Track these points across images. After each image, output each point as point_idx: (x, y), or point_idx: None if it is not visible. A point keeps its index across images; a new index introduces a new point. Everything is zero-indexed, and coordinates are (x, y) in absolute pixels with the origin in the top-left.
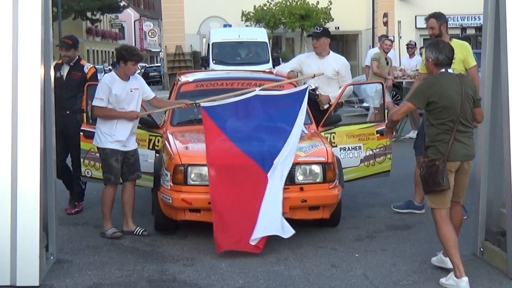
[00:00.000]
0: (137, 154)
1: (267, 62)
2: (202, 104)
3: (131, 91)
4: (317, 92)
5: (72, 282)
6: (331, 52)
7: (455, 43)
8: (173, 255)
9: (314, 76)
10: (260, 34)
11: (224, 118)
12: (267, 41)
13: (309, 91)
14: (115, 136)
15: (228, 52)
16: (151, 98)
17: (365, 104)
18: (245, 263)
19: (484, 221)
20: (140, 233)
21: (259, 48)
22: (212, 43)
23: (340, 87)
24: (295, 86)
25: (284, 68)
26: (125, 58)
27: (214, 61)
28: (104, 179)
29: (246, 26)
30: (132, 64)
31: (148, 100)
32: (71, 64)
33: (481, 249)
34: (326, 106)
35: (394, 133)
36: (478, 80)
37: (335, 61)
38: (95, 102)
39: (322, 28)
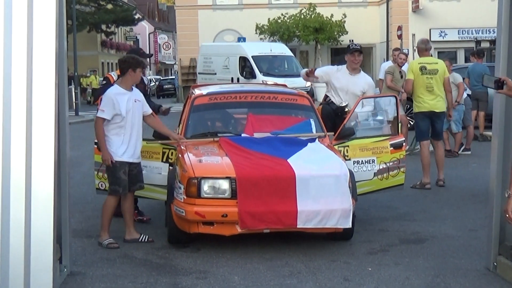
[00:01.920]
0: (140, 165)
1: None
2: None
3: (135, 101)
4: (346, 110)
5: None
6: (361, 71)
7: None
8: (186, 268)
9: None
10: (285, 49)
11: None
12: (293, 55)
13: (338, 107)
14: (123, 149)
15: (266, 65)
16: (148, 114)
17: (379, 118)
18: (258, 277)
19: (497, 235)
20: (145, 240)
21: (290, 61)
22: (252, 56)
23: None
24: (309, 99)
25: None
26: (134, 66)
27: (262, 73)
28: (111, 190)
29: (261, 39)
30: (139, 71)
31: (144, 116)
32: None
33: (495, 264)
34: (353, 123)
35: (407, 147)
36: None
37: (364, 81)
38: (99, 114)
39: (360, 46)
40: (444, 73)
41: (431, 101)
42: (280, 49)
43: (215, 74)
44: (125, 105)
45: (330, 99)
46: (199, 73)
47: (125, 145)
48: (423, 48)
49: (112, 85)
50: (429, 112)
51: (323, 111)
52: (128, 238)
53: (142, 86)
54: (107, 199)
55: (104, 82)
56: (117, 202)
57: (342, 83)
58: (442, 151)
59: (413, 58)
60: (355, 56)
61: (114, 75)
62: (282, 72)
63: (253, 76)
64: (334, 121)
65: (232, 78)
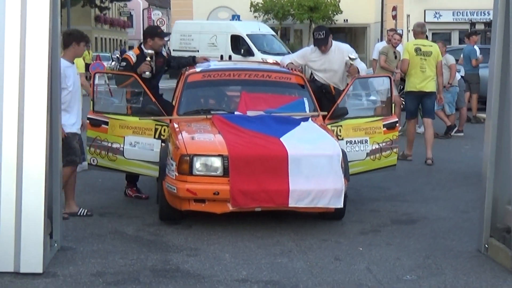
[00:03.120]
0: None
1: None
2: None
3: (77, 74)
4: (352, 61)
5: (75, 270)
6: (333, 44)
7: None
8: (177, 245)
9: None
10: (268, 28)
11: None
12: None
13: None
14: (73, 120)
15: (258, 44)
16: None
17: (372, 98)
18: (249, 255)
19: (489, 217)
20: (84, 214)
21: (275, 40)
22: (247, 35)
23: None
24: (303, 78)
25: (286, 59)
26: (78, 39)
27: (259, 51)
28: (68, 162)
29: (255, 17)
30: (83, 45)
31: None
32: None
33: (486, 246)
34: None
35: (400, 128)
36: None
37: (339, 54)
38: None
39: (324, 31)
40: (437, 56)
41: (422, 81)
42: (266, 28)
43: (197, 51)
44: (72, 78)
45: (313, 77)
46: (173, 50)
47: (74, 117)
48: (419, 31)
49: (133, 67)
50: (419, 92)
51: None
52: (66, 211)
53: (161, 60)
54: (65, 170)
55: (124, 64)
56: (74, 171)
57: (317, 65)
58: (431, 130)
59: (407, 39)
60: (323, 48)
61: (132, 55)
62: (273, 51)
63: (251, 54)
64: (320, 99)
65: (221, 56)
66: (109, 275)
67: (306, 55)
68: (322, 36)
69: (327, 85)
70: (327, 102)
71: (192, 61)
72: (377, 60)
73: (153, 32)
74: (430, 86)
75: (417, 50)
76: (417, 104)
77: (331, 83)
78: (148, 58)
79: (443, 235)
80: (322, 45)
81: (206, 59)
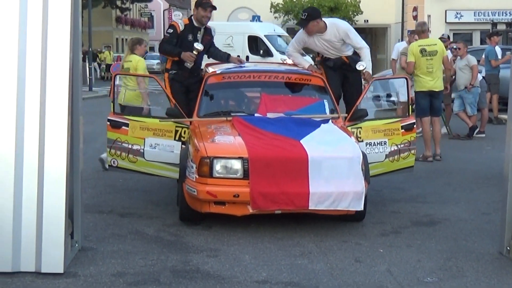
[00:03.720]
0: None
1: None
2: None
3: None
4: (364, 71)
5: (96, 270)
6: (327, 24)
7: None
8: (197, 246)
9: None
10: (281, 29)
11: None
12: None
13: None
14: None
15: (276, 45)
16: None
17: (392, 99)
18: (269, 256)
19: (511, 219)
20: None
21: (287, 41)
22: (265, 35)
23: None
24: (323, 80)
25: (291, 51)
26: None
27: (278, 52)
28: None
29: (275, 18)
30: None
31: None
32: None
33: (508, 248)
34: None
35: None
36: None
37: (334, 33)
38: None
39: (306, 14)
40: (442, 52)
41: (431, 81)
42: (280, 30)
43: None
44: None
45: (324, 57)
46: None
47: None
48: (421, 31)
49: (179, 35)
50: (429, 92)
51: (325, 70)
52: None
53: (208, 38)
54: None
55: (171, 31)
56: None
57: (318, 46)
58: (439, 127)
59: None
60: (305, 29)
61: (181, 23)
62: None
63: (270, 54)
64: (340, 74)
65: (238, 56)
66: (130, 275)
67: (304, 40)
68: (303, 18)
69: (339, 58)
70: (350, 73)
71: (225, 58)
72: (396, 60)
73: (197, 2)
74: (439, 85)
75: (423, 52)
76: (429, 102)
77: (341, 54)
78: (195, 52)
79: (464, 237)
80: (301, 26)
81: (240, 61)
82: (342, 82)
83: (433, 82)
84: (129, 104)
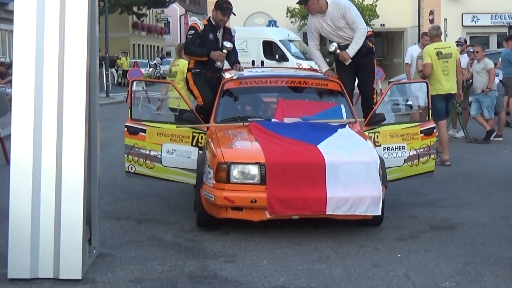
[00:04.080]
0: None
1: None
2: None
3: None
4: (337, 52)
5: (114, 276)
6: (329, 4)
7: None
8: (215, 252)
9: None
10: (294, 34)
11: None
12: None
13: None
14: None
15: (290, 49)
16: None
17: (409, 103)
18: (286, 261)
19: None
20: None
21: (301, 45)
22: (280, 40)
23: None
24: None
25: (315, 52)
26: None
27: (294, 56)
28: None
29: (291, 22)
30: None
31: None
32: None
33: None
34: (349, 62)
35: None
36: None
37: (336, 10)
38: None
39: None
40: (456, 55)
41: (447, 83)
42: (293, 34)
43: None
44: None
45: (338, 47)
46: None
47: None
48: (435, 34)
49: (200, 35)
50: (446, 95)
51: (336, 65)
52: None
53: (228, 38)
54: None
55: (193, 31)
56: None
57: (325, 29)
58: (445, 130)
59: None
60: (306, 7)
61: (200, 24)
62: (304, 56)
63: (285, 59)
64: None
65: (253, 61)
66: (147, 281)
67: (313, 26)
68: None
69: (348, 44)
70: (360, 59)
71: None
72: (410, 64)
73: (219, 5)
74: (454, 87)
75: (439, 54)
76: (445, 105)
77: (350, 38)
78: (225, 51)
79: (482, 241)
80: (302, 4)
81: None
82: (356, 71)
83: (449, 84)
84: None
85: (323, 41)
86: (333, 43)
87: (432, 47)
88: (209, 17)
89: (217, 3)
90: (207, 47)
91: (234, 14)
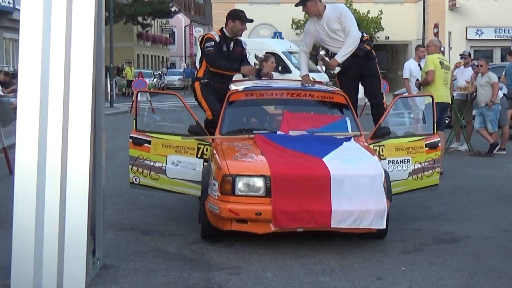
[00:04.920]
0: None
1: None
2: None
3: None
4: (326, 58)
5: None
6: (326, 7)
7: None
8: (219, 264)
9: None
10: (295, 46)
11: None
12: None
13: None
14: None
15: (294, 61)
16: None
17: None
18: (290, 274)
19: None
20: None
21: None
22: (283, 52)
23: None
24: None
25: (302, 56)
26: None
27: (297, 68)
28: None
29: (296, 34)
30: None
31: None
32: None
33: None
34: (337, 69)
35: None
36: None
37: (332, 12)
38: None
39: None
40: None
41: (445, 93)
42: (294, 46)
43: None
44: None
45: (331, 52)
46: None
47: None
48: (439, 46)
49: (218, 45)
50: (444, 104)
51: (338, 77)
52: None
53: (239, 50)
54: None
55: (212, 43)
56: None
57: (321, 34)
58: (444, 141)
59: (449, 56)
60: (304, 9)
61: (215, 34)
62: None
63: (288, 71)
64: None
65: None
66: None
67: (309, 32)
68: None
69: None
70: (363, 66)
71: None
72: (408, 79)
73: (235, 15)
74: (449, 98)
75: (442, 64)
76: (445, 115)
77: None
78: (257, 61)
79: (486, 254)
80: (299, 5)
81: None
82: (359, 79)
83: (447, 95)
84: None
85: (315, 50)
86: (322, 50)
87: (435, 56)
88: (222, 28)
89: (232, 14)
90: (221, 58)
91: (252, 21)
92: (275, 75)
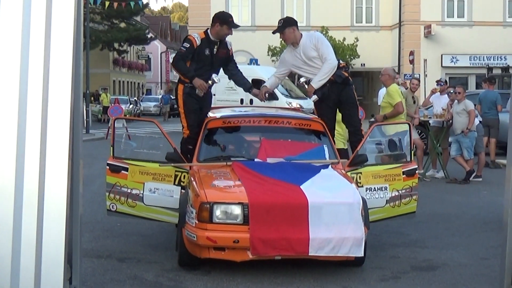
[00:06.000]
0: None
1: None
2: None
3: None
4: (305, 86)
5: None
6: (303, 35)
7: None
8: None
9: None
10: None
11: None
12: None
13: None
14: None
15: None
16: None
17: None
18: None
19: (510, 264)
20: None
21: (291, 84)
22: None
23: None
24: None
25: (271, 79)
26: None
27: (283, 95)
28: None
29: (272, 61)
30: None
31: None
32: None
33: None
34: (314, 98)
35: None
36: None
37: (309, 40)
38: None
39: (283, 21)
40: None
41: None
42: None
43: (214, 95)
44: None
45: (308, 80)
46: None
47: None
48: (394, 76)
49: (195, 50)
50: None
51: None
52: None
53: (224, 52)
54: None
55: (188, 45)
56: None
57: (297, 62)
58: None
59: (425, 84)
60: (281, 36)
61: (197, 38)
62: (293, 94)
63: (275, 97)
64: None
65: (241, 100)
66: None
67: (284, 60)
68: (280, 25)
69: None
70: (341, 92)
71: (247, 89)
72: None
73: (224, 19)
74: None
75: (401, 93)
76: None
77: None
78: (210, 82)
79: (463, 282)
80: (278, 32)
81: (265, 97)
82: (337, 106)
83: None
84: None
85: (292, 77)
86: (302, 77)
87: (396, 87)
88: (207, 30)
89: (220, 17)
90: (201, 62)
91: (239, 26)
92: (257, 101)
